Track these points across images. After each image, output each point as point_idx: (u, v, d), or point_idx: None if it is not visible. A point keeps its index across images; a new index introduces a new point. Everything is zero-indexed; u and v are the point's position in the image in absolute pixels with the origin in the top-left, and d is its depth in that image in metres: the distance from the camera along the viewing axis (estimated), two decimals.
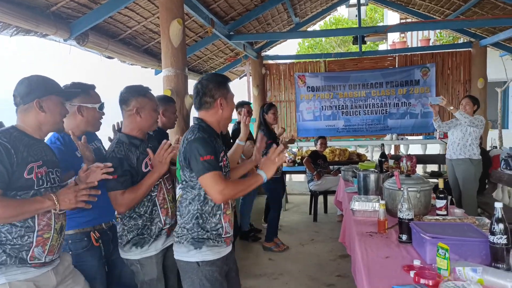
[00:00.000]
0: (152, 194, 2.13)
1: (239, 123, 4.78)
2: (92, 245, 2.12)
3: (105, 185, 2.02)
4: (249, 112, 4.60)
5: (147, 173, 2.09)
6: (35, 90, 1.69)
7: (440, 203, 2.67)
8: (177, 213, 2.00)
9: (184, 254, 1.95)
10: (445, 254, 1.73)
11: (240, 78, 9.25)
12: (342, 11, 19.77)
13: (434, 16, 6.70)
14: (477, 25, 5.93)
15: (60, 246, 1.80)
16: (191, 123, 2.10)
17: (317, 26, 8.46)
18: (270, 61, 8.10)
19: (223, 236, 1.99)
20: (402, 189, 2.64)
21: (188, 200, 1.94)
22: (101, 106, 2.21)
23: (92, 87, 2.21)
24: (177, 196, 2.01)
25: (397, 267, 1.89)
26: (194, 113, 2.15)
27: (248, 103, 4.97)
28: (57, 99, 1.76)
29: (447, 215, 2.67)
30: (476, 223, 2.29)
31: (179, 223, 1.99)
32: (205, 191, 1.89)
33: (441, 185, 2.72)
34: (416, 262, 1.88)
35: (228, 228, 2.03)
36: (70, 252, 2.04)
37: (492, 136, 7.45)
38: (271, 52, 8.12)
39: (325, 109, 7.70)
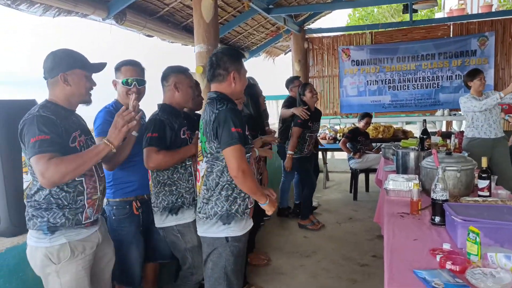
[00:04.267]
0: (187, 163, 2.26)
1: (291, 97, 4.73)
2: (132, 213, 2.31)
3: (140, 158, 2.19)
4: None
5: (184, 140, 2.25)
6: (59, 64, 1.77)
7: (483, 183, 2.48)
8: (203, 187, 2.02)
9: (212, 230, 1.99)
10: (475, 238, 1.61)
11: (285, 54, 9.06)
12: None
13: None
14: None
15: (103, 204, 1.97)
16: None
17: None
18: (314, 35, 7.83)
19: (249, 207, 2.04)
20: (438, 168, 2.49)
21: (215, 173, 1.96)
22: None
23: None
24: (202, 171, 2.03)
25: (424, 250, 1.78)
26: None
27: (297, 78, 4.88)
28: (81, 73, 1.82)
29: (489, 196, 2.47)
30: None
31: (206, 198, 2.01)
32: (227, 162, 1.89)
33: (484, 164, 2.52)
34: (446, 246, 1.77)
35: (253, 199, 2.07)
36: (114, 217, 2.28)
37: None
38: (315, 25, 7.85)
39: (370, 84, 7.37)
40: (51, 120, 1.67)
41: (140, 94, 2.31)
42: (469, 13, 10.47)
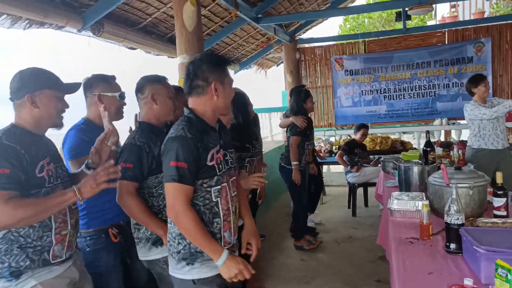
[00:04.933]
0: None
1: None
2: (109, 241, 2.08)
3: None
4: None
5: None
6: (26, 84, 1.61)
7: (499, 201, 2.21)
8: (169, 218, 1.71)
9: (177, 270, 1.68)
10: (506, 275, 1.34)
11: (277, 66, 8.88)
12: None
13: None
14: None
15: (75, 240, 1.79)
16: None
17: (357, 4, 7.84)
18: (306, 45, 7.65)
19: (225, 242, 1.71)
20: (450, 185, 2.22)
21: None
22: (121, 95, 2.16)
23: (113, 77, 2.18)
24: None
25: (442, 286, 1.51)
26: None
27: (303, 86, 4.59)
28: (51, 93, 1.65)
29: (507, 216, 2.20)
30: None
31: (170, 231, 1.71)
32: (166, 202, 1.61)
33: (499, 180, 2.25)
34: (467, 282, 1.49)
35: (229, 237, 1.73)
36: (88, 249, 2.06)
37: None
38: (307, 35, 7.68)
39: (365, 94, 7.15)
40: (13, 150, 1.50)
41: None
42: (461, 20, 10.37)
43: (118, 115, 2.16)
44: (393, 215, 2.50)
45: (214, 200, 1.66)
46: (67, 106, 1.72)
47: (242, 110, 3.20)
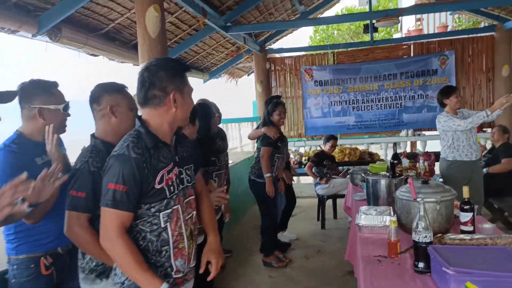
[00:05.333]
0: None
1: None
2: (39, 273, 1.78)
3: (64, 199, 1.69)
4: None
5: None
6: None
7: (465, 216, 2.19)
8: None
9: None
10: None
11: (248, 75, 8.81)
12: (353, 1, 19.01)
13: None
14: (501, 4, 5.32)
15: None
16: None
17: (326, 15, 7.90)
18: (276, 55, 7.63)
19: (174, 276, 1.54)
20: (417, 200, 2.18)
21: None
22: (66, 107, 1.89)
23: (54, 84, 1.89)
24: None
25: None
26: None
27: (278, 97, 4.41)
28: None
29: (474, 231, 2.19)
30: None
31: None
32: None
33: (465, 195, 2.23)
34: None
35: (182, 266, 1.56)
36: (14, 280, 1.76)
37: None
38: (277, 45, 7.66)
39: (334, 105, 7.18)
40: None
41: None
42: (426, 33, 10.71)
43: (61, 129, 1.91)
44: (361, 230, 2.44)
45: (162, 225, 1.49)
46: None
47: (205, 123, 3.05)
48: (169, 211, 1.50)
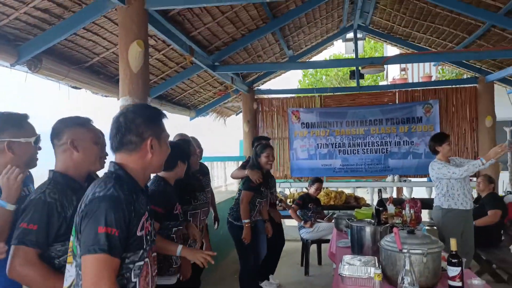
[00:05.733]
0: None
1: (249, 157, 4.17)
2: None
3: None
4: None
5: None
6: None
7: (454, 270, 2.07)
8: None
9: None
10: None
11: (236, 115, 8.81)
12: (340, 48, 19.64)
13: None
14: (483, 57, 5.48)
15: None
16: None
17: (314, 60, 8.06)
18: (264, 96, 7.67)
19: None
20: (403, 251, 2.06)
21: None
22: (37, 140, 1.81)
23: (25, 116, 1.80)
24: (68, 281, 1.40)
25: None
26: None
27: (266, 139, 4.30)
28: None
29: (462, 287, 2.05)
30: None
31: None
32: (82, 275, 1.27)
33: (453, 247, 2.12)
34: None
35: None
36: None
37: (503, 179, 6.84)
38: (265, 86, 7.73)
39: (320, 147, 7.15)
40: None
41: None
42: (411, 82, 11.00)
43: (32, 163, 1.82)
44: (344, 282, 2.28)
45: (133, 280, 1.34)
46: None
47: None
48: (141, 263, 1.37)
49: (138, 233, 1.35)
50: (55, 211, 1.56)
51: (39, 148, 1.84)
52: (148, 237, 1.42)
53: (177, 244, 2.29)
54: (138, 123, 1.44)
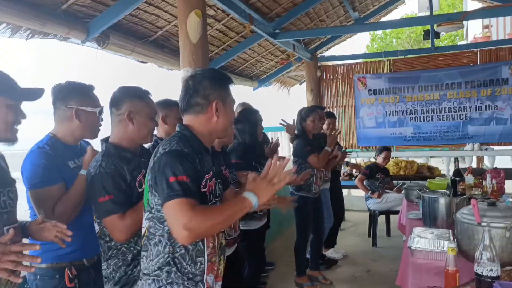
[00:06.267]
0: None
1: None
2: (64, 285, 1.72)
3: (90, 208, 1.70)
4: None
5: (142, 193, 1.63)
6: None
7: None
8: (143, 253, 1.46)
9: None
10: None
11: (300, 84, 8.63)
12: (413, 6, 18.03)
13: None
14: None
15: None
16: None
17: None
18: (328, 63, 7.38)
19: None
20: (482, 224, 1.86)
21: (157, 237, 1.40)
22: (101, 111, 1.88)
23: (91, 87, 1.88)
24: (143, 230, 1.48)
25: None
26: None
27: (320, 108, 4.09)
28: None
29: None
30: None
31: (143, 268, 1.45)
32: (168, 225, 1.35)
33: None
34: None
35: (212, 283, 1.46)
36: None
37: None
38: (329, 53, 7.41)
39: (390, 115, 6.76)
40: None
41: None
42: (495, 40, 9.85)
43: (94, 133, 1.88)
44: (414, 255, 2.15)
45: None
46: (24, 116, 1.47)
47: (251, 130, 2.94)
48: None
49: (202, 189, 1.41)
50: (119, 178, 1.63)
51: (102, 120, 1.91)
52: (211, 195, 1.47)
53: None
54: (205, 86, 1.47)
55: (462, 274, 1.70)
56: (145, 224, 1.45)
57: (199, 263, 1.42)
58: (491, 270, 1.48)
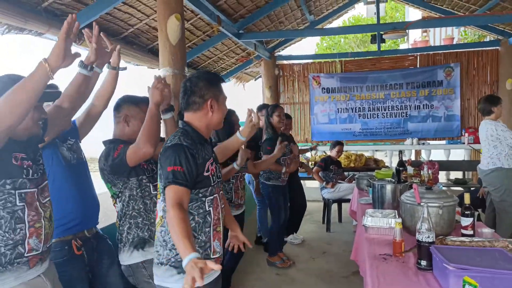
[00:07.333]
0: (152, 193, 2.07)
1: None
2: (73, 254, 2.00)
3: (83, 186, 2.05)
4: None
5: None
6: (1, 91, 1.52)
7: (466, 221, 2.33)
8: (161, 228, 1.73)
9: (165, 278, 1.70)
10: None
11: (255, 80, 8.98)
12: (361, 10, 19.20)
13: (459, 13, 6.26)
14: (506, 20, 5.46)
15: (52, 234, 1.70)
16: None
17: (334, 25, 8.09)
18: (285, 62, 7.80)
19: (212, 257, 1.75)
20: (421, 204, 2.32)
21: None
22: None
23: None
24: (160, 212, 1.75)
25: None
26: None
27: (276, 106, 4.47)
28: None
29: (474, 235, 2.32)
30: (509, 248, 1.94)
31: (159, 239, 1.73)
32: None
33: (467, 201, 2.37)
34: None
35: (218, 247, 1.79)
36: (53, 261, 1.93)
37: None
38: (285, 52, 7.83)
39: (341, 112, 7.34)
40: None
41: None
42: (432, 45, 10.87)
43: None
44: (368, 231, 2.58)
45: (207, 209, 1.73)
46: (46, 115, 1.71)
47: (229, 131, 3.09)
48: (212, 197, 1.74)
49: (205, 174, 1.70)
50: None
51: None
52: (214, 177, 1.76)
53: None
54: (201, 87, 1.73)
55: (405, 244, 2.15)
56: (161, 205, 1.72)
57: (207, 232, 1.72)
58: (428, 237, 1.90)
